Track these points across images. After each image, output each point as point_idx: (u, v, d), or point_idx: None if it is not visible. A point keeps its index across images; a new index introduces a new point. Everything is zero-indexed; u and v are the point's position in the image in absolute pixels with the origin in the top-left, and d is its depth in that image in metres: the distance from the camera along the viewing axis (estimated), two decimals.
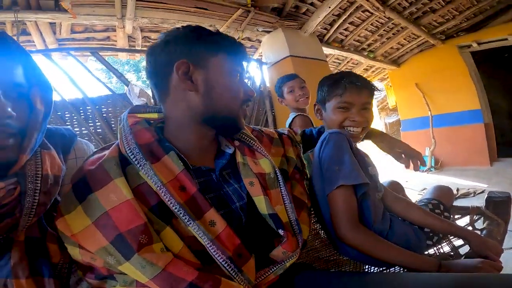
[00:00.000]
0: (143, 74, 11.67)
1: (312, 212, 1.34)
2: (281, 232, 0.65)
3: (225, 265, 0.54)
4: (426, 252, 1.01)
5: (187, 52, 0.62)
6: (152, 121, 0.66)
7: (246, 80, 0.72)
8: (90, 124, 2.61)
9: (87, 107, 2.62)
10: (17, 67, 0.56)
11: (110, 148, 0.59)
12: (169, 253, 0.51)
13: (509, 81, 6.52)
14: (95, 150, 0.65)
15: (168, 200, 0.53)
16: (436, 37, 4.92)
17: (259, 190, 0.66)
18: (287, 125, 1.79)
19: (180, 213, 0.53)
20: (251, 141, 0.76)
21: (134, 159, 0.55)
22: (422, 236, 0.95)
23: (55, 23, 2.47)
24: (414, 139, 5.92)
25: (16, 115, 0.52)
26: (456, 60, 5.14)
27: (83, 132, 2.56)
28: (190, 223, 0.53)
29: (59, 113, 2.48)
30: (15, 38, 2.27)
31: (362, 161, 0.92)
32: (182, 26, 0.67)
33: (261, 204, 0.65)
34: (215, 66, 0.64)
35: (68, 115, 2.54)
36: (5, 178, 0.53)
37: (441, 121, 5.48)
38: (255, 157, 0.73)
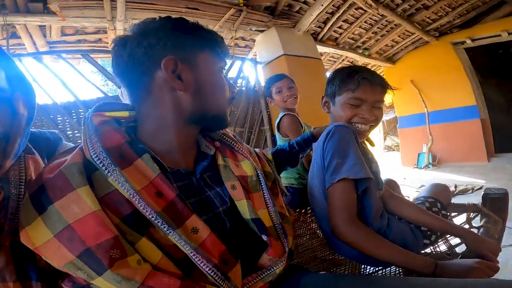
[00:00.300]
0: None
1: (309, 212, 1.36)
2: (264, 238, 0.62)
3: (211, 273, 0.51)
4: (423, 251, 1.01)
5: (172, 47, 0.57)
6: (122, 120, 0.60)
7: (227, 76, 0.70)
8: (82, 127, 2.58)
9: (80, 110, 2.59)
10: None
11: (72, 153, 0.52)
12: (147, 264, 0.47)
13: (504, 76, 6.55)
14: (55, 155, 0.57)
15: (144, 209, 0.48)
16: (430, 34, 4.93)
17: (241, 193, 0.63)
18: (276, 125, 1.79)
19: (158, 222, 0.48)
20: (232, 142, 0.73)
21: (101, 165, 0.49)
22: (419, 234, 0.94)
23: (45, 26, 2.44)
24: (411, 136, 5.98)
25: None
26: (451, 56, 5.18)
27: (76, 135, 2.53)
28: (170, 232, 0.49)
29: (52, 117, 2.45)
30: (4, 41, 2.26)
31: (366, 157, 0.90)
32: (160, 16, 0.60)
33: (244, 208, 0.63)
34: (203, 62, 0.60)
35: (60, 118, 2.51)
36: None
37: (438, 117, 5.51)
38: (237, 159, 0.70)
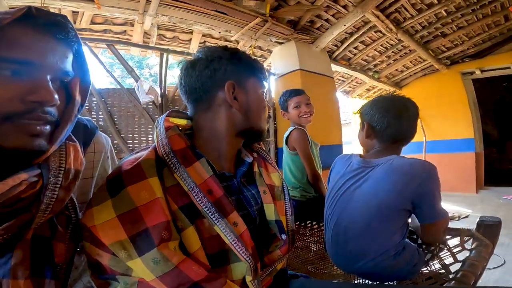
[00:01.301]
0: (146, 71, 11.66)
1: (308, 225, 1.41)
2: (283, 237, 0.74)
3: (248, 261, 0.60)
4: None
5: (231, 72, 0.70)
6: (180, 128, 0.71)
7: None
8: (93, 115, 2.67)
9: (93, 98, 2.67)
10: (69, 55, 0.56)
11: (147, 150, 0.64)
12: (180, 252, 0.55)
13: (503, 111, 6.69)
14: (133, 152, 0.68)
15: (199, 200, 0.58)
16: (441, 62, 5.07)
17: (270, 198, 0.77)
18: (284, 138, 1.85)
19: (209, 212, 0.58)
20: (267, 155, 0.87)
21: (169, 162, 0.60)
22: (422, 254, 1.03)
23: (77, 12, 2.51)
24: None
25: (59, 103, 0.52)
26: (458, 86, 5.31)
27: None
28: (218, 221, 0.58)
29: None
30: None
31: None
32: (219, 46, 0.75)
33: (270, 211, 0.75)
34: (252, 87, 0.74)
35: None
36: (29, 169, 0.50)
37: (435, 147, 5.62)
38: (268, 170, 0.83)
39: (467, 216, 3.77)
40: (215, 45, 3.49)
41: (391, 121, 1.04)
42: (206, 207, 0.58)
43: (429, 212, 0.94)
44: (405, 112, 1.04)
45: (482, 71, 5.10)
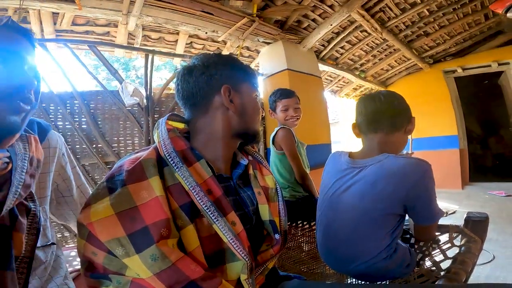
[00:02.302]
0: (132, 73, 11.47)
1: (300, 225, 1.41)
2: (277, 236, 0.77)
3: (246, 259, 0.61)
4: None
5: (226, 77, 0.74)
6: (178, 131, 0.73)
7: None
8: (75, 119, 2.58)
9: (75, 101, 2.58)
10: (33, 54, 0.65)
11: (148, 150, 0.65)
12: (178, 250, 0.56)
13: (484, 108, 6.89)
14: (132, 152, 0.70)
15: (200, 199, 0.60)
16: (424, 61, 5.21)
17: (264, 199, 0.79)
18: (271, 138, 1.85)
19: (209, 211, 0.60)
20: (261, 159, 0.90)
21: (171, 162, 0.63)
22: (414, 254, 1.03)
23: (58, 13, 2.43)
24: None
25: None
26: (441, 85, 5.45)
27: (67, 126, 2.53)
28: (217, 220, 0.60)
29: (44, 105, 2.43)
30: None
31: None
32: (214, 53, 0.81)
33: (265, 211, 0.78)
34: (246, 91, 0.78)
35: (53, 107, 2.49)
36: (1, 150, 0.56)
37: (420, 144, 5.74)
38: (262, 173, 0.86)
39: (454, 212, 3.86)
40: (202, 45, 3.50)
41: (367, 107, 1.05)
42: (206, 206, 0.60)
43: (424, 214, 0.94)
44: (379, 96, 1.04)
45: (463, 69, 5.25)
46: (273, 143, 1.82)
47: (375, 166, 0.94)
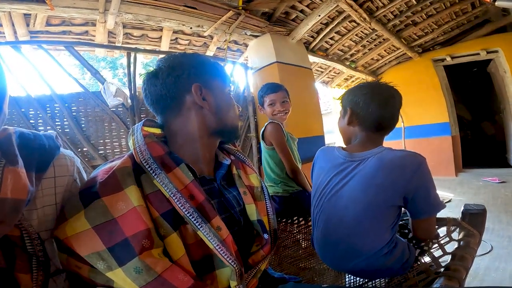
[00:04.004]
0: (120, 71, 11.24)
1: (295, 222, 1.38)
2: (266, 236, 0.75)
3: (233, 265, 0.59)
4: None
5: (195, 76, 0.73)
6: (155, 136, 0.71)
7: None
8: (57, 123, 2.47)
9: (55, 105, 2.47)
10: None
11: (123, 159, 0.62)
12: (166, 259, 0.54)
13: (474, 95, 7.00)
14: (107, 161, 0.67)
15: (182, 206, 0.58)
16: (414, 50, 5.23)
17: (250, 199, 0.78)
18: (260, 133, 1.82)
19: (192, 217, 0.58)
20: (244, 157, 0.88)
21: (149, 169, 0.60)
22: (413, 249, 1.02)
23: (30, 14, 2.31)
24: None
25: None
26: (430, 73, 5.48)
27: (48, 130, 2.34)
28: (202, 226, 0.58)
29: (23, 110, 2.32)
30: None
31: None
32: (179, 53, 0.79)
33: (252, 211, 0.76)
34: (217, 87, 0.76)
35: (33, 112, 2.38)
36: None
37: (412, 132, 5.80)
38: (246, 172, 0.85)
39: (449, 201, 3.86)
40: (188, 41, 3.41)
41: (376, 108, 0.99)
42: (188, 213, 0.58)
43: (424, 206, 0.91)
44: (391, 99, 1.01)
45: (452, 57, 5.27)
46: (262, 138, 1.79)
47: (374, 158, 0.93)
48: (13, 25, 2.36)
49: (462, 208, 1.12)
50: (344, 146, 1.09)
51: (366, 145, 1.00)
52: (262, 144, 1.80)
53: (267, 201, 0.83)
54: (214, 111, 0.74)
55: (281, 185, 1.74)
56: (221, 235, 0.61)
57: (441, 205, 0.92)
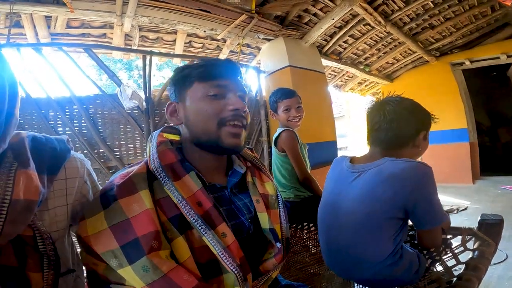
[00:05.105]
0: (135, 73, 11.51)
1: (305, 228, 1.44)
2: (278, 245, 0.75)
3: (235, 272, 0.60)
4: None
5: (175, 93, 0.76)
6: (174, 142, 0.75)
7: (232, 93, 0.73)
8: (75, 124, 2.54)
9: (74, 106, 2.54)
10: None
11: (139, 165, 0.67)
12: (172, 261, 0.56)
13: (492, 99, 6.78)
14: (126, 166, 0.72)
15: (187, 212, 0.61)
16: (431, 54, 5.11)
17: (263, 207, 0.77)
18: (273, 139, 1.80)
19: (197, 224, 0.60)
20: (261, 165, 0.87)
21: (159, 176, 0.64)
22: (423, 259, 1.00)
23: (51, 17, 2.40)
24: None
25: None
26: (448, 77, 5.36)
27: (67, 132, 2.49)
28: (206, 233, 0.60)
29: (43, 111, 2.39)
30: (6, 30, 2.17)
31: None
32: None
33: (264, 219, 0.76)
34: (190, 96, 0.72)
35: (52, 113, 2.45)
36: None
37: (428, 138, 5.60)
38: (262, 180, 0.84)
39: (465, 208, 3.76)
40: (201, 44, 3.46)
41: (377, 129, 1.00)
42: (193, 219, 0.60)
43: (426, 218, 0.90)
44: (399, 120, 0.99)
45: (471, 61, 5.15)
46: (275, 144, 1.78)
47: (374, 170, 0.93)
48: (34, 27, 2.45)
49: (479, 217, 1.09)
50: (356, 156, 1.10)
51: (372, 156, 1.00)
52: (274, 149, 1.79)
53: (281, 209, 0.82)
54: (185, 124, 0.74)
55: (292, 190, 1.73)
56: (225, 242, 0.62)
57: (444, 217, 0.91)
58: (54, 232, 0.62)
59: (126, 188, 0.59)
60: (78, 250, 0.65)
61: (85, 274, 0.91)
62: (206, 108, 0.70)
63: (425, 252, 1.05)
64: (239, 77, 0.77)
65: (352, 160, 1.06)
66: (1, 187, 0.50)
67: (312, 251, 1.43)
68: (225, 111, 0.70)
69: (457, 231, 1.10)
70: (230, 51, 3.59)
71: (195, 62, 0.78)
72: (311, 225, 1.46)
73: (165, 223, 0.60)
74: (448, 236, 1.15)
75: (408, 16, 3.79)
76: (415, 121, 1.00)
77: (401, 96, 1.05)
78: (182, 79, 0.74)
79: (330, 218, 1.04)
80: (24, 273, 0.52)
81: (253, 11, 2.84)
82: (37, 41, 2.57)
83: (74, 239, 0.75)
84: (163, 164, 0.65)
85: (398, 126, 0.97)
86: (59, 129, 2.44)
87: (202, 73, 0.72)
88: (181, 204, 0.61)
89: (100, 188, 0.82)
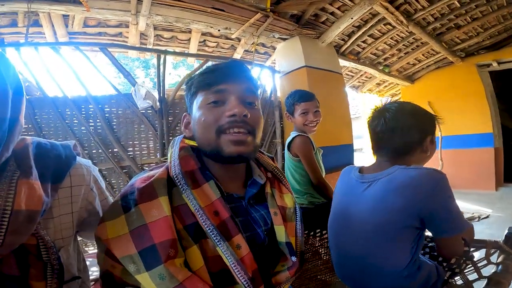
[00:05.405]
0: (152, 71, 11.71)
1: (318, 234, 1.39)
2: (293, 259, 0.73)
3: (246, 285, 0.59)
4: None
5: (188, 106, 0.77)
6: (194, 148, 0.73)
7: (233, 98, 0.68)
8: (90, 123, 2.57)
9: (89, 106, 2.57)
10: None
11: (160, 170, 0.66)
12: (186, 269, 0.56)
13: None
14: (146, 170, 0.71)
15: (204, 222, 0.60)
16: (456, 54, 4.93)
17: (280, 220, 0.75)
18: (286, 144, 1.75)
19: (212, 234, 0.59)
20: (282, 176, 0.84)
21: (178, 183, 0.63)
22: (442, 272, 0.96)
23: (68, 15, 2.45)
24: None
25: None
26: (474, 79, 5.15)
27: (83, 131, 2.53)
28: (220, 244, 0.59)
29: (59, 110, 2.43)
30: (25, 29, 2.22)
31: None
32: None
33: (281, 232, 0.74)
34: (194, 107, 0.72)
35: (69, 112, 2.49)
36: None
37: (451, 142, 5.49)
38: (281, 191, 0.82)
39: (487, 216, 3.61)
40: (216, 43, 3.44)
41: (377, 136, 1.00)
42: (209, 229, 0.60)
43: (444, 227, 0.86)
44: (400, 128, 0.96)
45: (499, 63, 4.93)
46: (288, 149, 1.72)
47: (384, 180, 0.90)
48: (53, 26, 2.51)
49: (506, 230, 1.04)
50: (365, 166, 1.08)
51: (381, 165, 0.98)
52: (287, 154, 1.73)
53: (297, 222, 0.80)
54: (194, 135, 0.73)
55: (306, 196, 1.68)
56: (239, 254, 0.61)
57: (465, 224, 0.86)
58: (58, 240, 0.62)
59: (146, 193, 0.59)
60: (95, 251, 0.66)
61: (91, 278, 0.91)
62: (204, 117, 0.68)
63: (444, 264, 1.00)
64: (244, 77, 0.72)
65: (361, 170, 1.04)
66: (2, 197, 0.49)
67: (324, 259, 1.39)
68: (222, 118, 0.66)
69: (482, 243, 1.05)
70: (245, 50, 3.56)
71: (200, 71, 0.76)
72: (324, 232, 1.41)
73: (181, 231, 0.60)
74: (471, 249, 1.11)
75: (432, 15, 3.64)
76: (419, 126, 0.96)
77: (401, 101, 1.03)
78: (188, 90, 0.75)
79: (341, 229, 1.01)
80: (26, 282, 0.52)
81: (268, 10, 2.79)
82: (56, 40, 2.62)
83: (88, 244, 0.74)
84: (184, 171, 0.64)
85: (401, 134, 0.95)
86: (74, 128, 2.48)
87: (202, 81, 0.71)
88: (198, 213, 0.60)
89: (107, 194, 0.82)
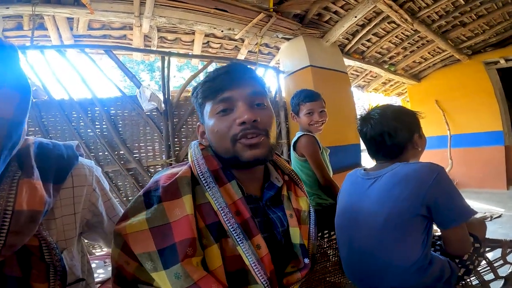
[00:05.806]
0: (157, 74, 11.78)
1: (326, 236, 1.40)
2: (306, 261, 0.74)
3: (265, 284, 0.60)
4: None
5: (200, 117, 0.77)
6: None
7: (240, 104, 0.68)
8: (96, 126, 2.58)
9: (95, 108, 2.59)
10: None
11: (183, 168, 0.66)
12: (202, 268, 0.56)
13: None
14: (168, 167, 0.71)
15: (227, 221, 0.60)
16: (462, 52, 4.86)
17: (295, 222, 0.76)
18: (292, 144, 1.73)
19: (235, 233, 0.60)
20: (297, 179, 0.85)
21: (204, 182, 0.64)
22: (455, 267, 0.97)
23: (72, 18, 2.48)
24: (431, 159, 5.73)
25: None
26: (482, 77, 5.10)
27: (89, 134, 2.54)
28: (242, 242, 0.60)
29: (66, 113, 2.44)
30: (30, 32, 2.25)
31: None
32: None
33: (296, 234, 0.75)
34: (205, 117, 0.73)
35: (75, 115, 2.51)
36: None
37: (460, 141, 5.43)
38: (297, 194, 0.83)
39: (499, 216, 3.55)
40: (219, 44, 3.45)
41: (369, 141, 1.07)
42: (232, 228, 0.60)
43: (448, 215, 0.88)
44: (389, 131, 1.02)
45: (506, 60, 4.85)
46: (294, 149, 1.70)
47: (388, 174, 0.95)
48: (58, 29, 2.54)
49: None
50: (368, 167, 1.13)
51: (382, 166, 1.03)
52: (293, 154, 1.72)
53: (311, 226, 0.81)
54: (211, 144, 0.73)
55: (314, 198, 1.66)
56: (259, 254, 0.62)
57: (470, 212, 0.88)
58: (61, 241, 0.61)
59: (170, 191, 0.59)
60: (101, 253, 0.65)
61: (96, 280, 0.90)
62: (217, 127, 0.69)
63: (457, 260, 1.00)
64: (248, 78, 0.71)
65: (365, 169, 1.10)
66: (3, 197, 0.49)
67: (333, 260, 1.38)
68: (234, 127, 0.67)
69: (497, 243, 1.07)
70: (249, 51, 3.56)
71: (202, 79, 0.76)
72: (332, 233, 1.40)
73: (203, 230, 0.60)
74: (487, 249, 1.12)
75: (437, 13, 3.61)
76: (404, 127, 1.01)
77: (383, 106, 1.09)
78: (195, 101, 0.76)
79: (350, 225, 1.03)
80: (28, 283, 0.51)
81: (271, 10, 2.79)
82: (61, 43, 2.65)
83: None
84: (210, 170, 0.65)
85: (390, 137, 1.00)
86: (81, 130, 2.49)
87: (206, 90, 0.71)
88: (222, 212, 0.61)
89: (111, 196, 0.81)
